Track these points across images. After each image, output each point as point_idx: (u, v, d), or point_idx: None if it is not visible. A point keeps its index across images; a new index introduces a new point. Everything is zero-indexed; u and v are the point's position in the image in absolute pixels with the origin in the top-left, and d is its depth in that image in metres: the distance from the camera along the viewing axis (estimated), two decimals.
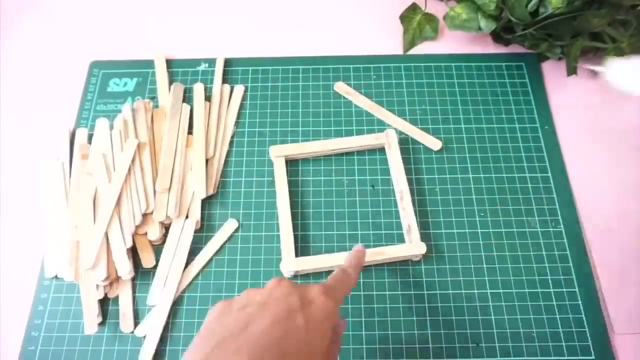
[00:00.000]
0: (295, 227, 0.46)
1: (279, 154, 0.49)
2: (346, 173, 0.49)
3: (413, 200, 0.47)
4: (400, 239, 0.45)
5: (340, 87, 0.54)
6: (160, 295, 0.43)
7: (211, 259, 0.45)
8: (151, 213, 0.46)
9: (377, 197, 0.48)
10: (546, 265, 0.44)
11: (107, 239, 0.44)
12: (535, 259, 0.44)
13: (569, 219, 0.46)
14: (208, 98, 0.53)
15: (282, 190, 0.47)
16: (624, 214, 0.47)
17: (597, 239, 0.45)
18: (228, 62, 0.56)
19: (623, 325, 0.42)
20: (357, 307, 0.43)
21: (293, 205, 0.47)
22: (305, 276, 0.44)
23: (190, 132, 0.51)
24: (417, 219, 0.45)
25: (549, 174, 0.48)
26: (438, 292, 0.43)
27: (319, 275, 0.44)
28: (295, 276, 0.44)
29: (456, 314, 0.42)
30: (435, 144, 0.50)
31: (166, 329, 0.42)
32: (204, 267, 0.45)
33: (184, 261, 0.45)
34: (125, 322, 0.42)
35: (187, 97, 0.53)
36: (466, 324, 0.42)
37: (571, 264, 0.44)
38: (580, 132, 0.51)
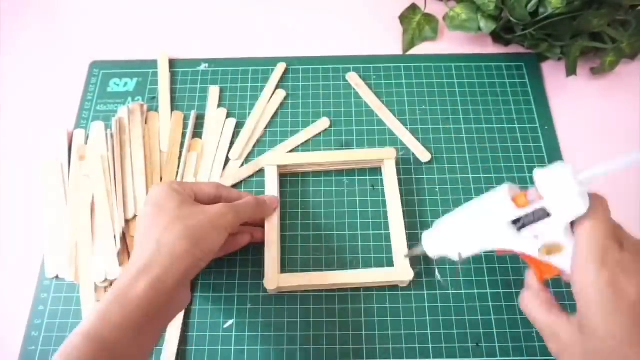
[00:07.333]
0: (283, 240, 0.45)
1: (271, 162, 0.47)
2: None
3: (404, 212, 0.45)
4: (390, 262, 0.44)
5: (352, 77, 0.54)
6: None
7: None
8: None
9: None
10: None
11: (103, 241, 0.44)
12: None
13: None
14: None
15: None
16: (624, 214, 0.47)
17: None
18: (226, 62, 0.56)
19: None
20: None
21: (283, 217, 0.46)
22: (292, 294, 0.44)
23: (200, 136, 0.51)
24: (407, 242, 0.43)
25: None
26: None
27: (304, 293, 0.43)
28: (282, 293, 0.44)
29: (456, 314, 0.42)
30: (424, 155, 0.49)
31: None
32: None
33: None
34: None
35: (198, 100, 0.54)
36: (466, 324, 0.42)
37: None
38: (580, 132, 0.51)
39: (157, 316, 0.33)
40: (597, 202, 0.30)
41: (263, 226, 0.44)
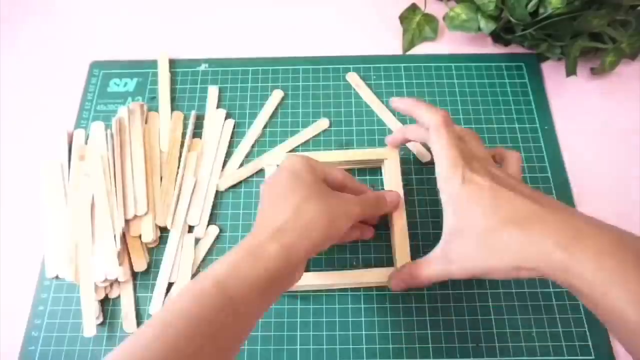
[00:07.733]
0: None
1: (271, 162, 0.46)
2: None
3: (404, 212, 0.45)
4: (390, 262, 0.44)
5: (352, 77, 0.54)
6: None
7: (205, 260, 0.45)
8: (145, 215, 0.46)
9: None
10: None
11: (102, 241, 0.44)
12: None
13: None
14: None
15: None
16: (624, 214, 0.47)
17: None
18: (226, 62, 0.56)
19: None
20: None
21: None
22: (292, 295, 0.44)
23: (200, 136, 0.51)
24: (410, 241, 0.43)
25: (549, 174, 0.48)
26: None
27: (304, 293, 0.44)
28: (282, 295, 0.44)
29: (456, 314, 0.42)
30: (424, 155, 0.49)
31: None
32: (198, 268, 0.45)
33: (189, 275, 0.44)
34: (128, 322, 0.43)
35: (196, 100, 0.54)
36: (466, 324, 0.42)
37: None
38: (580, 132, 0.51)
39: (279, 283, 0.31)
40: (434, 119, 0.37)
41: (374, 225, 0.44)
